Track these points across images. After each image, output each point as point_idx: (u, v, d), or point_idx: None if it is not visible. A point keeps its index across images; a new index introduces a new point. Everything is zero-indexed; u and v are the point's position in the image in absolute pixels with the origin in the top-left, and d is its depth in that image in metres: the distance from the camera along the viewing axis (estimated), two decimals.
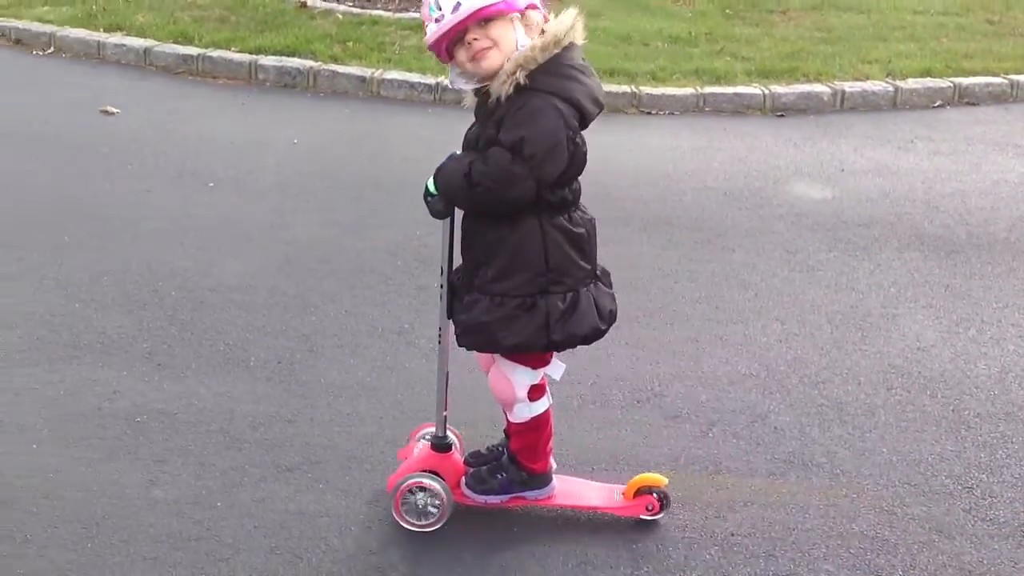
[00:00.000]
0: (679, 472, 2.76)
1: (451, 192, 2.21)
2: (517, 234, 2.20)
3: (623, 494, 2.56)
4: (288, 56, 6.13)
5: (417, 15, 6.81)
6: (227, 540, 2.45)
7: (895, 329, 3.61)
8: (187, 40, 6.25)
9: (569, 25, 2.16)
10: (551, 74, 2.12)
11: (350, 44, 6.33)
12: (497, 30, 2.11)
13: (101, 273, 3.75)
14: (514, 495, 2.54)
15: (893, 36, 7.27)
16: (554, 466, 2.57)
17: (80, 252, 3.90)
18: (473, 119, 2.26)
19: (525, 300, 2.22)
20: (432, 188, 2.25)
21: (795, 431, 2.99)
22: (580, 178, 2.28)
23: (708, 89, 6.01)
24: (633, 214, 4.43)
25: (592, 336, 2.29)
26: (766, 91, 6.03)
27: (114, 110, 5.34)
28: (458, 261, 2.38)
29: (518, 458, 2.51)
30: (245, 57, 6.08)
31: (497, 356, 2.38)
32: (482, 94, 2.19)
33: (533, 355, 2.35)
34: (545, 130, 2.11)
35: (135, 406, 2.98)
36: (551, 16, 2.19)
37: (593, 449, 2.85)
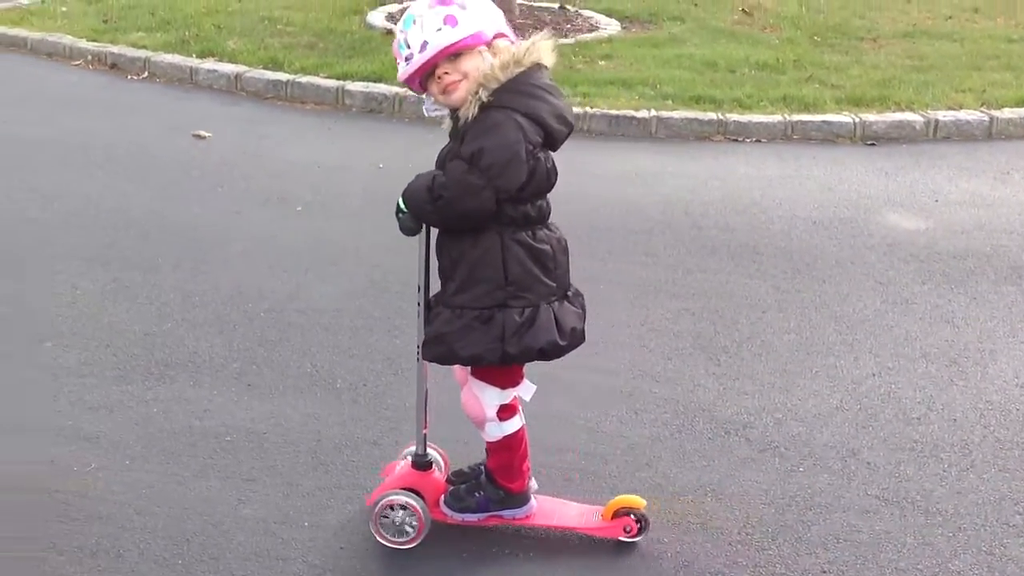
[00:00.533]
0: (769, 506, 2.72)
1: (417, 208, 2.26)
2: (479, 248, 2.26)
3: (602, 515, 2.56)
4: (374, 82, 6.23)
5: None
6: (314, 560, 2.48)
7: (992, 365, 3.52)
8: (277, 66, 6.40)
9: (527, 46, 2.21)
10: (513, 92, 2.19)
11: None
12: (466, 63, 2.19)
13: (193, 293, 3.84)
14: (491, 513, 2.56)
15: (987, 65, 7.13)
16: (535, 487, 2.60)
17: (173, 272, 4.00)
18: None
19: (483, 312, 2.26)
20: (403, 205, 2.29)
21: (889, 468, 2.93)
22: (550, 196, 2.31)
23: (796, 117, 5.96)
24: (720, 243, 4.40)
25: (551, 351, 2.30)
26: (856, 119, 5.95)
27: (206, 134, 5.48)
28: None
29: (495, 477, 2.54)
30: (333, 83, 6.20)
31: (468, 375, 2.43)
32: (454, 116, 2.27)
33: (502, 375, 2.40)
34: (503, 142, 2.16)
35: (225, 425, 3.04)
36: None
37: (679, 480, 2.83)
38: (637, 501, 2.54)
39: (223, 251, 4.22)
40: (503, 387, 2.42)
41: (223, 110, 5.95)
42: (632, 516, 2.53)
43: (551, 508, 2.60)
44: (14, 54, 6.58)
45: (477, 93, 2.17)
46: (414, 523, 2.50)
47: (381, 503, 2.51)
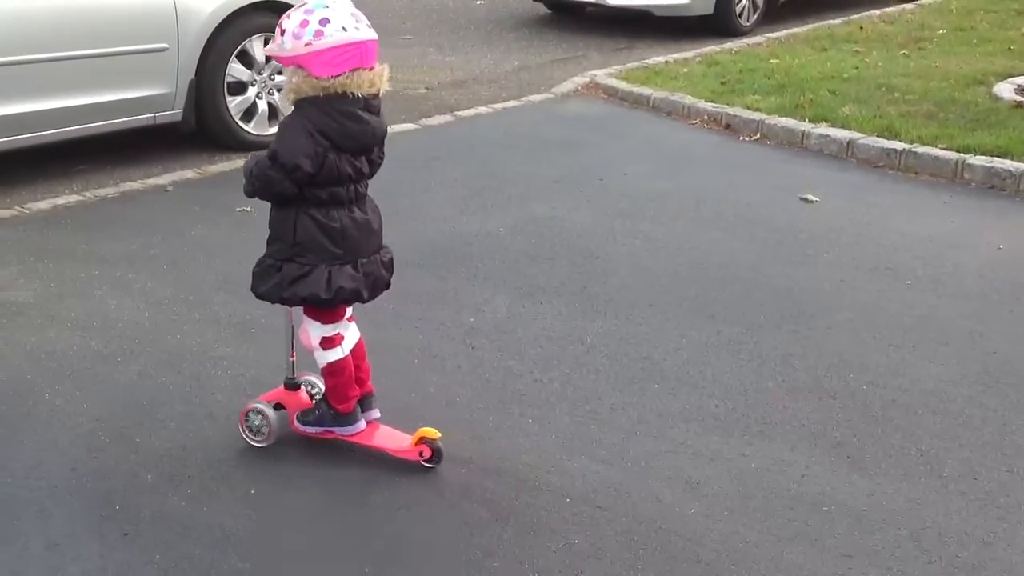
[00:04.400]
0: None
1: (248, 183, 2.99)
2: (280, 216, 3.01)
3: (410, 442, 3.15)
4: (999, 157, 5.90)
5: None
6: None
7: None
8: (892, 135, 6.31)
9: (336, 82, 2.85)
10: (314, 106, 2.88)
11: None
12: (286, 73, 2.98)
13: (793, 356, 3.91)
14: (326, 428, 3.22)
15: None
16: (377, 415, 3.27)
17: (774, 332, 4.10)
18: None
19: (276, 263, 3.00)
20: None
21: None
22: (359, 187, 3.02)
23: None
24: None
25: (311, 300, 3.00)
26: None
27: (813, 199, 5.56)
28: None
29: (328, 398, 3.19)
30: (951, 155, 5.97)
31: (299, 311, 3.12)
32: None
33: (323, 313, 3.09)
34: (292, 145, 2.87)
35: (822, 494, 3.05)
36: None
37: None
38: (434, 433, 3.14)
39: (826, 317, 4.24)
40: (323, 323, 3.11)
41: (832, 175, 6.00)
42: (427, 444, 3.12)
43: (374, 432, 3.25)
44: (638, 110, 7.20)
45: (288, 95, 2.90)
46: (265, 426, 3.22)
47: (245, 407, 3.26)
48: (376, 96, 2.95)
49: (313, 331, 3.12)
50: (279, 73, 6.19)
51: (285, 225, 2.98)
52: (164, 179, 5.67)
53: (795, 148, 6.48)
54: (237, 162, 5.88)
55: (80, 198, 5.29)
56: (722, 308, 4.32)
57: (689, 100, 7.13)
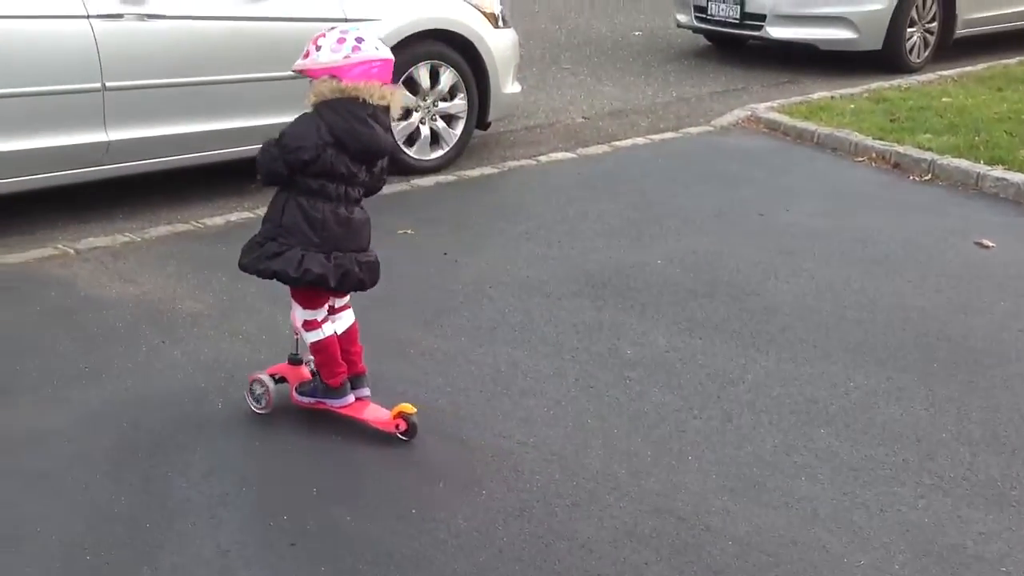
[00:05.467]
0: None
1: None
2: (274, 199, 3.41)
3: (390, 416, 3.45)
4: None
5: None
6: None
7: None
8: None
9: (353, 85, 3.26)
10: (329, 107, 3.29)
11: None
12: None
13: (968, 407, 3.78)
14: (318, 400, 3.56)
15: None
16: (367, 393, 3.59)
17: (948, 382, 3.97)
18: None
19: (262, 240, 3.39)
20: None
21: None
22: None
23: None
24: None
25: (281, 276, 3.36)
26: None
27: (989, 244, 5.36)
28: None
29: (319, 373, 3.54)
30: None
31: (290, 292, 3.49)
32: None
33: (305, 299, 3.46)
34: (298, 131, 3.29)
35: (1004, 556, 2.94)
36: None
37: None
38: (410, 408, 3.45)
39: (1003, 369, 4.08)
40: (304, 307, 3.47)
41: (1009, 221, 5.78)
42: (403, 419, 3.43)
43: (362, 407, 3.56)
44: (802, 146, 7.08)
45: (309, 95, 3.32)
46: (265, 396, 3.59)
47: (250, 376, 3.63)
48: (386, 111, 3.36)
49: (297, 314, 3.50)
50: (443, 100, 6.33)
51: (275, 207, 3.39)
52: None
53: (969, 190, 6.27)
54: (400, 186, 6.04)
55: (251, 215, 5.50)
56: (892, 353, 4.20)
57: (856, 137, 6.98)
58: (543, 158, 6.67)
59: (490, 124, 6.81)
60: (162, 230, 5.36)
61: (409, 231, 5.35)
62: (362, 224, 3.46)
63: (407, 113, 6.22)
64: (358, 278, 3.46)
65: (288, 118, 5.47)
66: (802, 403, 3.80)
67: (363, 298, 4.46)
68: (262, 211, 5.54)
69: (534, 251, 5.09)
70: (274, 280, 3.44)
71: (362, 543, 2.99)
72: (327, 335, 3.51)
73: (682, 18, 9.91)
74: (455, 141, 6.46)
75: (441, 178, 6.25)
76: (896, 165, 6.66)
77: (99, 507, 3.14)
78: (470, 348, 4.16)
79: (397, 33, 6.03)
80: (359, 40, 3.29)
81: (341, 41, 3.28)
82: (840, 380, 3.98)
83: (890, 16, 9.03)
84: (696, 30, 9.97)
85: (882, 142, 6.87)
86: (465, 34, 6.35)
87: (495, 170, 6.42)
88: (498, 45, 6.55)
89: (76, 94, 5.18)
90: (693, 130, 7.42)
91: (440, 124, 6.38)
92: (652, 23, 11.28)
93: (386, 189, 6.02)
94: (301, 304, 3.50)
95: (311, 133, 3.27)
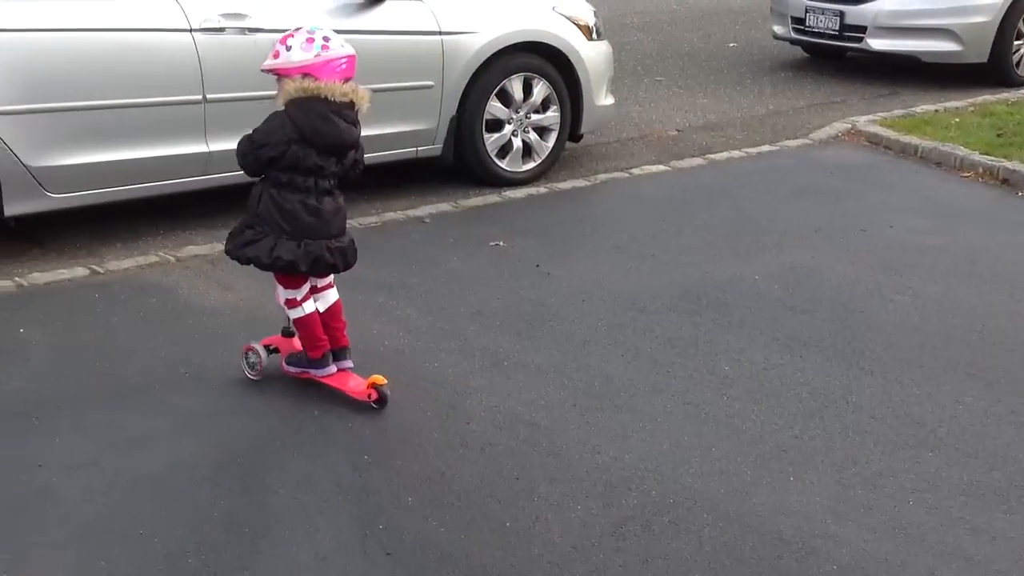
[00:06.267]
0: None
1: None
2: (254, 190, 3.68)
3: (364, 385, 3.71)
4: None
5: None
6: None
7: None
8: None
9: (316, 84, 3.50)
10: (296, 106, 3.53)
11: None
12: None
13: None
14: (303, 369, 3.83)
15: None
16: (351, 365, 3.83)
17: None
18: None
19: (241, 228, 3.66)
20: None
21: None
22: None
23: None
24: None
25: (255, 262, 3.64)
26: None
27: None
28: None
29: (304, 345, 3.79)
30: None
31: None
32: None
33: (285, 281, 3.71)
34: (266, 129, 3.56)
35: None
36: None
37: None
38: (381, 379, 3.70)
39: None
40: (285, 288, 3.73)
41: None
42: (375, 389, 3.68)
43: (343, 378, 3.81)
44: (904, 160, 6.92)
45: (278, 95, 3.56)
46: (257, 363, 3.88)
47: (245, 345, 3.91)
48: (351, 106, 3.58)
49: (280, 292, 3.79)
50: (536, 112, 6.34)
51: (253, 197, 3.66)
52: (422, 211, 5.89)
53: None
54: (491, 197, 6.06)
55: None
56: (1003, 375, 4.07)
57: (962, 151, 6.81)
58: (636, 171, 6.63)
59: (582, 136, 6.79)
60: None
61: (501, 243, 5.36)
62: (333, 213, 3.67)
63: (499, 124, 6.24)
64: (329, 263, 3.68)
65: (388, 129, 5.56)
66: (909, 425, 3.71)
67: (458, 310, 4.47)
68: (356, 222, 5.69)
69: (627, 264, 5.06)
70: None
71: (457, 555, 2.99)
72: (308, 312, 3.77)
73: (779, 30, 9.78)
74: (547, 153, 6.45)
75: (533, 190, 6.25)
76: (1004, 181, 6.48)
77: (200, 511, 3.19)
78: (564, 362, 4.15)
79: (492, 45, 6.06)
80: (326, 39, 3.54)
81: (310, 41, 3.52)
82: (948, 402, 3.87)
83: (996, 28, 8.79)
84: (794, 42, 9.82)
85: (990, 157, 6.68)
86: (559, 47, 6.35)
87: (587, 183, 6.40)
88: (592, 57, 6.54)
89: (179, 106, 5.30)
90: (791, 143, 7.31)
91: (533, 136, 6.38)
92: (748, 35, 11.15)
93: (478, 200, 6.12)
94: (282, 284, 3.77)
95: (276, 131, 3.54)
